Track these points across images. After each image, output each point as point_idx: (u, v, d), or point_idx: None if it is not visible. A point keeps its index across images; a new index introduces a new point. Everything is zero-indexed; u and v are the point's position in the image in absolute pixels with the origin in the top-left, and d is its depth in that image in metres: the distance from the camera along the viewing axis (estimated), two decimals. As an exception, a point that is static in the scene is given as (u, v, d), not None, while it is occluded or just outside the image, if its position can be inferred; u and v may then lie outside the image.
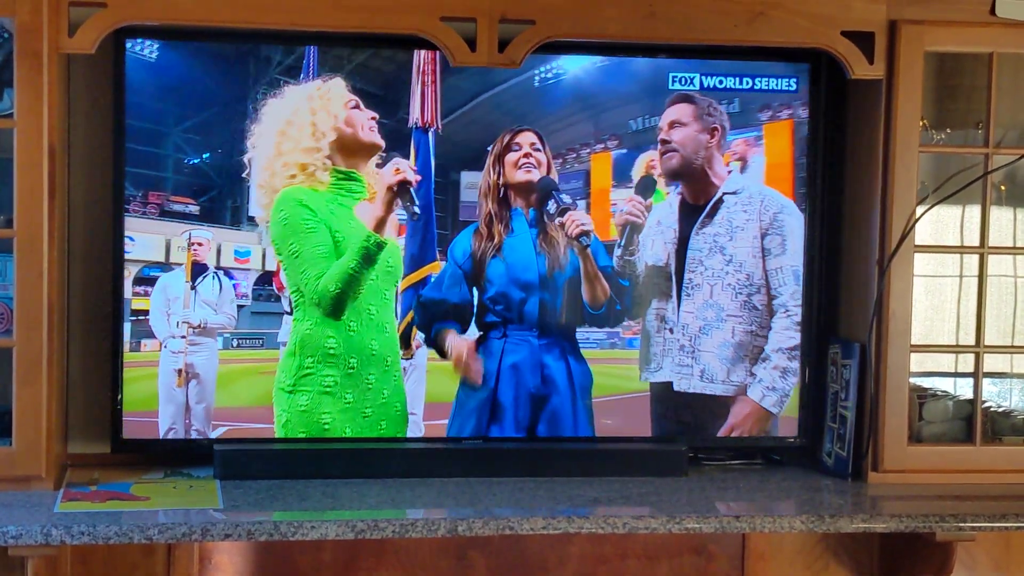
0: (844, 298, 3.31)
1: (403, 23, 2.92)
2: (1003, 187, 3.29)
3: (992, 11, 3.06)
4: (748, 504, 3.00)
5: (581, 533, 2.81)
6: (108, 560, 3.10)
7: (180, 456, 3.16)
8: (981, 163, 3.16)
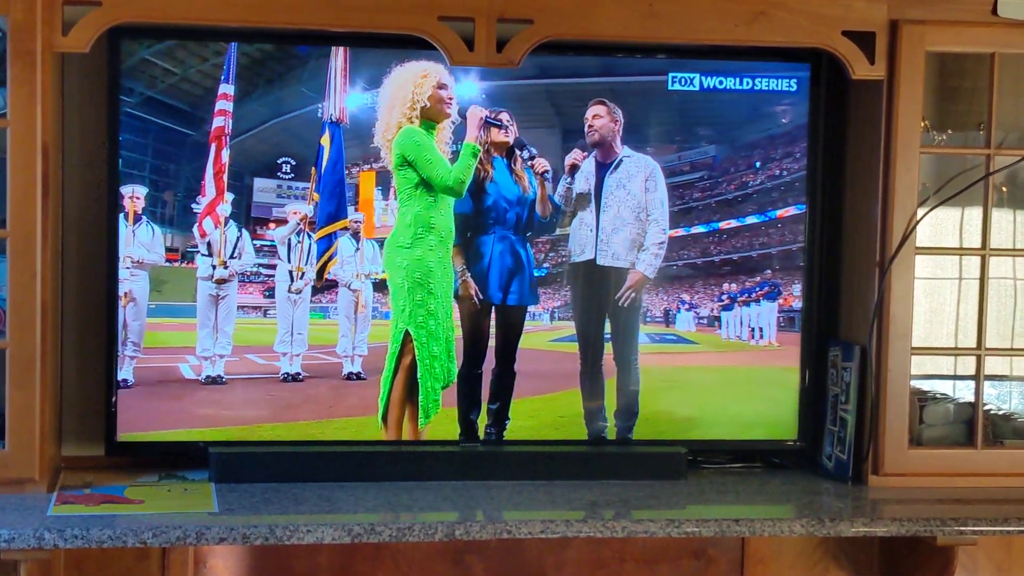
0: (844, 300, 3.30)
1: (401, 23, 2.91)
2: (1004, 189, 3.28)
3: (994, 11, 3.04)
4: (748, 508, 2.99)
5: (579, 537, 2.79)
6: (102, 564, 3.09)
7: (175, 459, 3.14)
8: (981, 165, 3.14)
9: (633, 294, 3.12)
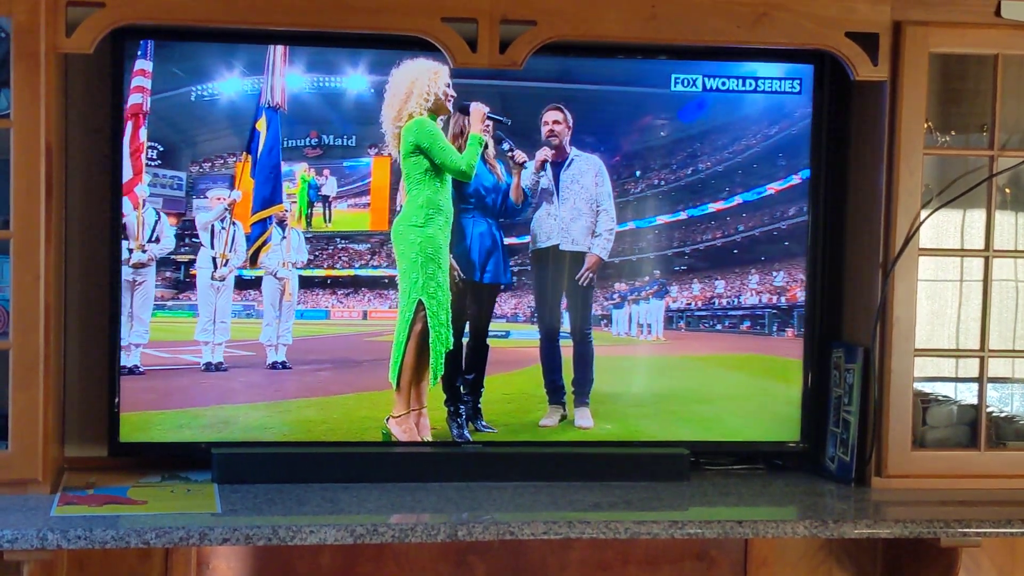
0: (847, 301, 3.30)
1: (404, 24, 2.91)
2: (1008, 190, 3.27)
3: (997, 12, 3.04)
4: (750, 509, 2.98)
5: (582, 538, 2.79)
6: (105, 565, 3.09)
7: (178, 460, 3.15)
8: (984, 166, 3.14)
9: (591, 275, 3.29)
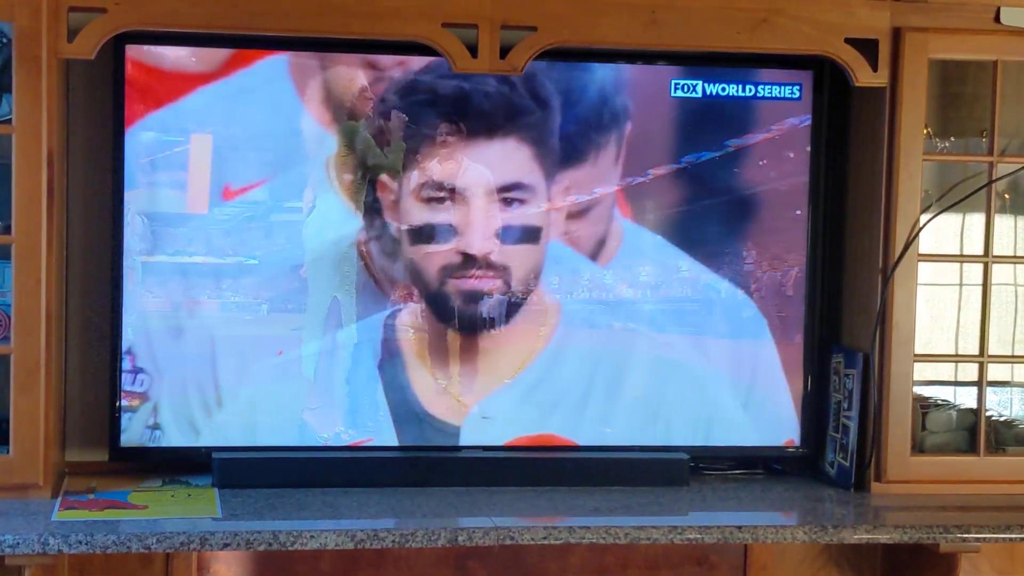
0: (847, 306, 3.30)
1: (404, 29, 2.91)
2: (1007, 196, 3.28)
3: (996, 19, 3.05)
4: (750, 514, 2.99)
5: (582, 543, 2.80)
6: (106, 569, 3.08)
7: (179, 464, 3.15)
8: (984, 172, 3.15)
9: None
